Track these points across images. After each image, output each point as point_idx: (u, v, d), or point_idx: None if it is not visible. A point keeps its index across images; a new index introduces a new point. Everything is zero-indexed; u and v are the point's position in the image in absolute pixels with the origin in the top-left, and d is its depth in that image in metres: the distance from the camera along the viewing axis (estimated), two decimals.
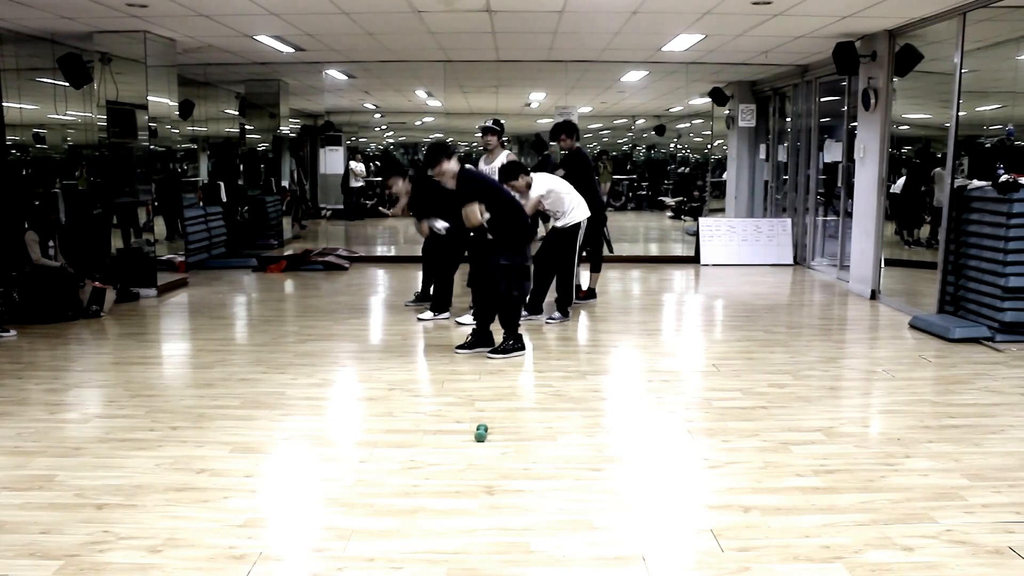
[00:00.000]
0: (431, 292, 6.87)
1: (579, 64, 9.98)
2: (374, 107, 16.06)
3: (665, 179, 18.47)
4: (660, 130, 15.91)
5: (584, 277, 7.63)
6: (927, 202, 8.20)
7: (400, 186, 6.79)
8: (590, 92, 12.82)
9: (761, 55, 8.94)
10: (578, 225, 6.41)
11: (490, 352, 5.46)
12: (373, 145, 20.04)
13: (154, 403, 4.40)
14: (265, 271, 9.55)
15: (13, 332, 6.02)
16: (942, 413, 4.29)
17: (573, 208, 6.39)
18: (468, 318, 6.23)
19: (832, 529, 2.89)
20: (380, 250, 12.60)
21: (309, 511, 3.12)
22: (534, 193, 6.17)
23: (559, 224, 6.43)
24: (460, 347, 5.58)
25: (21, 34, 7.55)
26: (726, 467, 3.52)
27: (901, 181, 8.42)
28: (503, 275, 5.41)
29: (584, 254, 7.07)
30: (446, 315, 6.66)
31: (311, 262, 9.70)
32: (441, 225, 6.18)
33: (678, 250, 11.84)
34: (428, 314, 6.67)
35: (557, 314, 6.59)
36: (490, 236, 5.44)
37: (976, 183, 6.18)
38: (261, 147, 13.10)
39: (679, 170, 18.21)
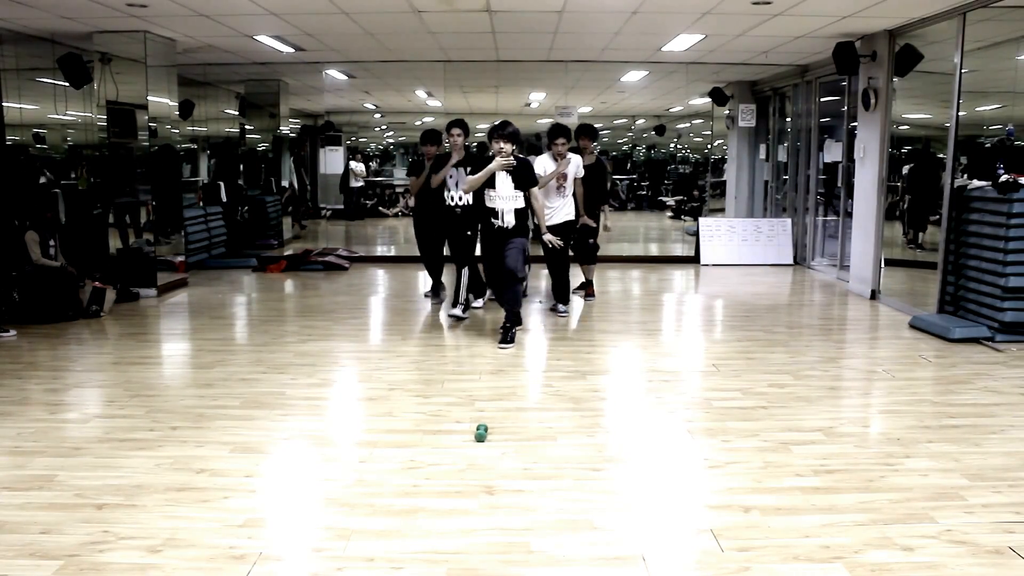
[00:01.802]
0: (459, 286, 6.94)
1: (579, 64, 9.99)
2: (374, 107, 16.07)
3: (665, 179, 18.47)
4: (660, 130, 15.92)
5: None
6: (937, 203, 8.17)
7: (461, 141, 6.75)
8: (590, 92, 12.82)
9: (761, 55, 8.94)
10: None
11: (502, 344, 5.68)
12: (373, 145, 20.04)
13: (154, 403, 4.41)
14: (265, 271, 9.56)
15: (13, 332, 6.02)
16: (942, 413, 4.29)
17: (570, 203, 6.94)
18: (459, 310, 6.61)
19: (832, 529, 2.90)
20: (380, 250, 12.60)
21: (309, 511, 3.12)
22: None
23: (558, 220, 6.76)
24: (504, 343, 5.72)
25: (21, 34, 7.55)
26: (726, 467, 3.52)
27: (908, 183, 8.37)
28: (521, 259, 5.76)
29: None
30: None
31: (311, 262, 9.70)
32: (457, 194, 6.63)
33: (678, 250, 11.83)
34: (457, 310, 6.70)
35: (563, 307, 6.94)
36: (503, 225, 5.77)
37: (976, 183, 6.18)
38: (261, 147, 13.10)
39: (679, 170, 18.21)
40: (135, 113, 7.81)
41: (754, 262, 10.10)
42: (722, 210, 12.17)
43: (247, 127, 13.00)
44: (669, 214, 16.39)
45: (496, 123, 5.78)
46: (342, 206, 15.95)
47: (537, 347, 5.86)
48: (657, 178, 18.63)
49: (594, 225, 7.39)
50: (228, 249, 10.93)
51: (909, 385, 4.86)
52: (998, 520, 2.97)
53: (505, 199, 5.74)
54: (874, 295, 7.71)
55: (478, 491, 3.24)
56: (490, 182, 5.74)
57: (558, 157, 6.69)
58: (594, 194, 7.28)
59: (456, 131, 6.70)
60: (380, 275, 9.45)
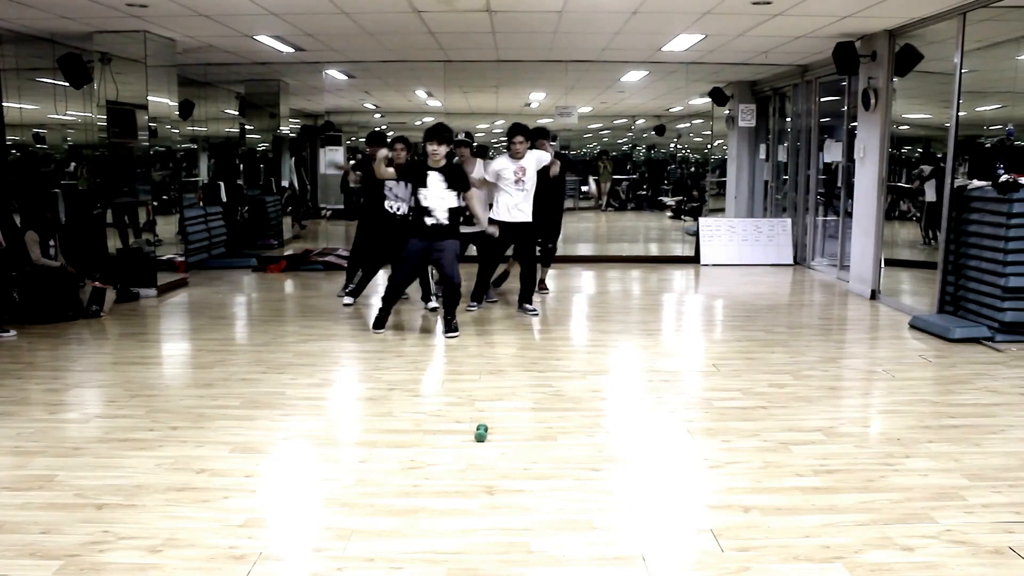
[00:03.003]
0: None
1: (579, 64, 9.98)
2: (374, 107, 16.06)
3: (665, 179, 18.45)
4: (660, 130, 15.91)
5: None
6: None
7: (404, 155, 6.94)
8: (590, 92, 12.82)
9: (761, 55, 8.94)
10: None
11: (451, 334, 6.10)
12: None
13: (154, 403, 4.41)
14: (265, 271, 9.56)
15: (13, 332, 6.02)
16: (942, 413, 4.29)
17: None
18: (434, 302, 7.07)
19: (832, 529, 2.90)
20: None
21: (309, 511, 3.12)
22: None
23: (518, 219, 6.80)
24: (451, 332, 6.10)
25: (21, 34, 7.55)
26: (726, 467, 3.52)
27: (930, 186, 8.29)
28: (456, 264, 6.13)
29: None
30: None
31: (311, 262, 9.70)
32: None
33: (678, 250, 11.83)
34: (433, 302, 7.09)
35: (531, 306, 6.98)
36: (437, 222, 6.01)
37: (976, 183, 6.18)
38: (261, 147, 13.10)
39: (679, 170, 18.19)
40: (135, 113, 7.80)
41: (754, 262, 10.10)
42: (722, 210, 12.17)
43: (247, 127, 12.99)
44: (669, 214, 16.38)
45: (432, 126, 6.11)
46: (342, 206, 15.93)
47: (537, 347, 5.86)
48: (657, 178, 18.61)
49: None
50: (228, 249, 10.92)
51: (909, 385, 4.86)
52: (998, 520, 2.97)
53: (438, 198, 5.96)
54: (874, 295, 7.71)
55: (478, 491, 3.24)
56: (422, 182, 5.97)
57: (515, 156, 6.73)
58: (555, 196, 7.49)
59: (400, 146, 6.92)
60: (380, 275, 9.43)
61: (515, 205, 6.75)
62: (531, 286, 7.02)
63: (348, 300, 7.30)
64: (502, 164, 6.78)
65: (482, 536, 2.85)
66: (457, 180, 6.04)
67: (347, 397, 4.77)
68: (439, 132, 5.99)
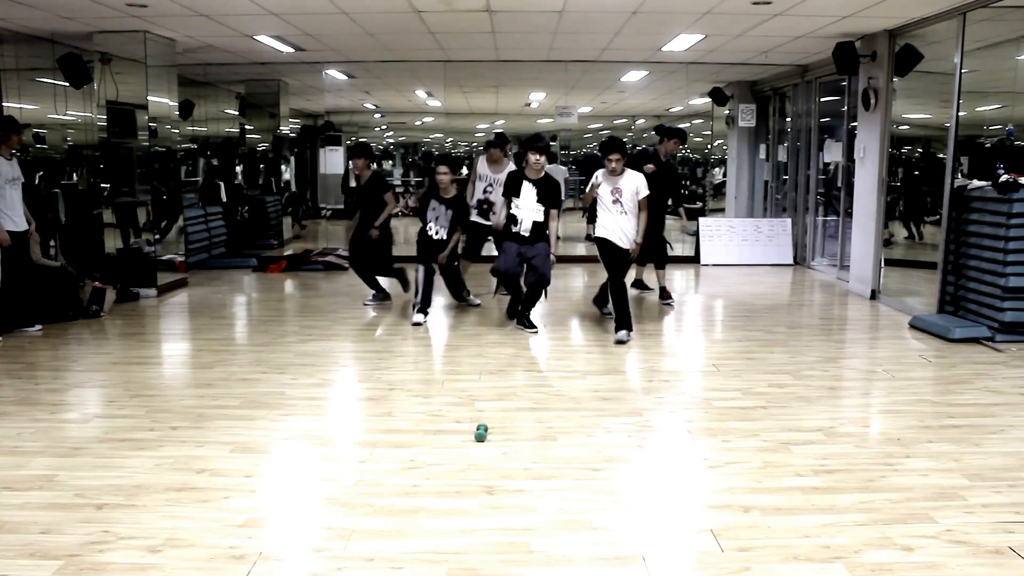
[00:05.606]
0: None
1: (579, 64, 9.99)
2: (374, 107, 16.07)
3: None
4: (660, 130, 15.88)
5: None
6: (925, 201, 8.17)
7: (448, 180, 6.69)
8: (590, 92, 12.82)
9: (761, 55, 8.94)
10: None
11: (530, 328, 6.24)
12: (373, 145, 20.04)
13: (154, 403, 4.41)
14: (265, 271, 9.56)
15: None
16: (942, 413, 4.29)
17: None
18: (420, 316, 6.66)
19: (832, 529, 2.90)
20: None
21: (309, 511, 3.12)
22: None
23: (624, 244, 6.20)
24: (529, 327, 6.25)
25: (21, 34, 7.55)
26: (726, 467, 3.52)
27: None
28: (549, 266, 6.27)
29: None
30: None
31: (311, 262, 9.70)
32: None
33: (678, 250, 11.81)
34: (419, 316, 6.58)
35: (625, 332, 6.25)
36: (521, 232, 6.22)
37: (976, 183, 6.18)
38: (261, 147, 13.10)
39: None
40: (135, 113, 7.81)
41: (754, 262, 10.10)
42: (722, 210, 12.16)
43: (247, 127, 13.00)
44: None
45: (532, 136, 6.27)
46: (342, 206, 15.93)
47: (537, 347, 5.86)
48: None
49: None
50: (228, 249, 10.93)
51: (909, 385, 4.86)
52: (998, 520, 2.97)
53: (527, 210, 6.15)
54: (874, 295, 7.71)
55: (478, 491, 3.24)
56: (515, 192, 6.18)
57: (611, 175, 6.00)
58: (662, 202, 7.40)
59: (443, 168, 6.58)
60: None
61: (615, 225, 6.02)
62: (606, 302, 6.53)
63: (419, 318, 6.48)
64: (600, 177, 6.10)
65: (482, 536, 2.85)
66: (548, 196, 6.20)
67: (347, 397, 4.77)
68: (538, 141, 6.17)
